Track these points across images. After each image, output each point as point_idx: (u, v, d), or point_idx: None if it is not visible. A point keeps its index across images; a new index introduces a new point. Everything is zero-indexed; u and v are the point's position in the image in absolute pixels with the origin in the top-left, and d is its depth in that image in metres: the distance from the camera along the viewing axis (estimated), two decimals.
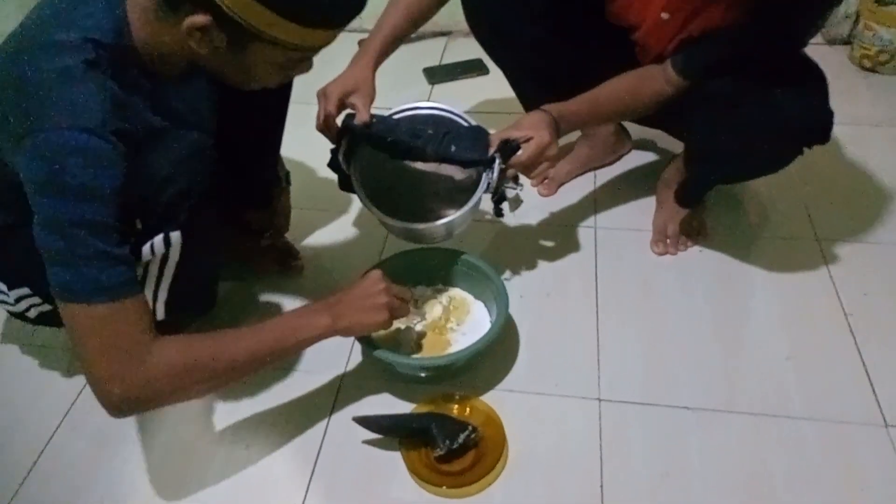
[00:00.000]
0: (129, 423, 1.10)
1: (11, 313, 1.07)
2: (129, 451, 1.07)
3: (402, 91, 1.83)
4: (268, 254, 1.33)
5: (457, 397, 1.08)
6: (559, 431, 1.06)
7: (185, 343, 0.84)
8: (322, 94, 1.13)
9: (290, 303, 1.30)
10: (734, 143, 1.13)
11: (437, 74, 1.91)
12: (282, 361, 1.01)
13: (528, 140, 1.09)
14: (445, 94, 1.85)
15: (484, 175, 1.12)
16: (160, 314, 0.97)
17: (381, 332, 1.07)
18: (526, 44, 1.29)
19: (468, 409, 1.07)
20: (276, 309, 1.29)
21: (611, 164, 1.57)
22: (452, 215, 1.15)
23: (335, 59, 1.10)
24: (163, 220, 0.86)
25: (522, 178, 1.17)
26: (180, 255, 0.90)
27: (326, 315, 0.94)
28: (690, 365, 1.15)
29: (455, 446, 1.01)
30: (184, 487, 1.02)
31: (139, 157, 0.81)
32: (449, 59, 1.99)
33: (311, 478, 1.02)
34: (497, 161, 1.09)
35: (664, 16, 1.15)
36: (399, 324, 1.14)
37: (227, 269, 1.33)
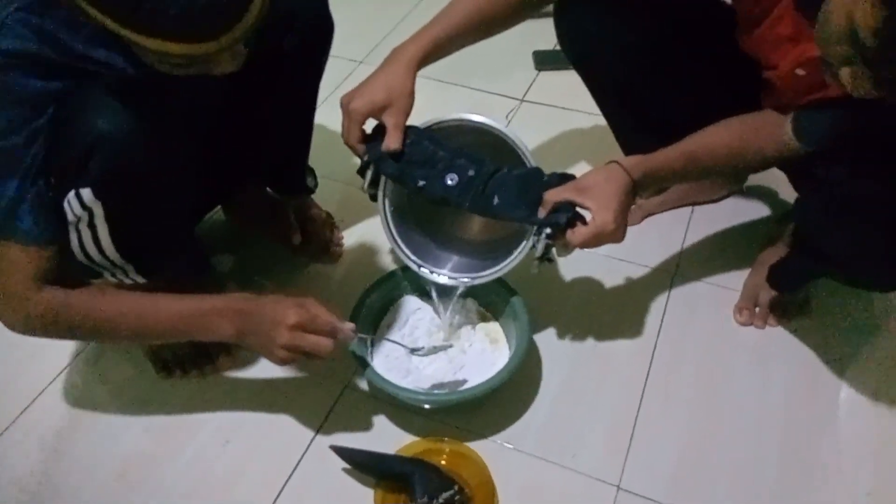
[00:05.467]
0: (127, 385, 1.08)
1: None
2: (110, 423, 1.04)
3: (503, 73, 1.66)
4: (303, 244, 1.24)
5: (447, 450, 0.95)
6: None
7: (65, 301, 0.82)
8: (344, 107, 0.92)
9: (316, 284, 1.22)
10: (848, 246, 0.89)
11: (547, 60, 1.71)
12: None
13: (587, 208, 0.90)
14: (551, 83, 1.66)
15: (530, 235, 0.94)
16: (136, 277, 0.91)
17: None
18: (621, 77, 1.10)
19: (460, 464, 0.94)
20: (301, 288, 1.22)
21: (714, 202, 1.34)
22: (482, 274, 1.00)
23: None
24: (72, 175, 0.77)
25: None
26: (106, 212, 0.80)
27: (233, 326, 0.84)
28: (740, 474, 0.96)
29: None
30: (152, 471, 0.98)
31: (63, 101, 0.73)
32: None
33: (279, 494, 0.94)
34: (544, 234, 0.92)
35: (799, 72, 0.91)
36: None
37: (258, 242, 1.28)
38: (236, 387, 1.07)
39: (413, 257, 1.03)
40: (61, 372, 1.10)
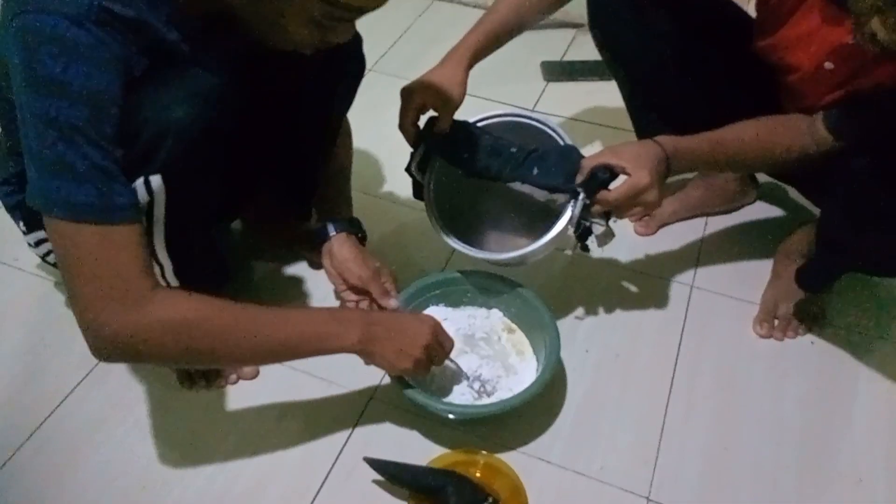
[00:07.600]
0: (149, 394, 1.06)
1: (38, 256, 1.03)
2: (140, 419, 1.03)
3: (512, 84, 1.67)
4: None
5: (481, 462, 0.95)
6: None
7: (198, 302, 0.74)
8: (404, 93, 1.01)
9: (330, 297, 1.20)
10: (878, 239, 0.91)
11: (555, 72, 1.73)
12: (288, 359, 0.93)
13: (624, 171, 0.93)
14: (560, 95, 1.68)
15: (569, 206, 0.98)
16: (170, 278, 0.89)
17: None
18: (650, 61, 1.12)
19: (493, 476, 0.94)
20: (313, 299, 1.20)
21: (727, 212, 1.36)
22: (525, 248, 1.01)
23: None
24: (142, 160, 0.74)
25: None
26: (168, 200, 0.78)
27: (360, 331, 0.85)
28: (762, 483, 0.97)
29: None
30: (175, 483, 0.96)
31: (142, 78, 0.72)
32: (573, 55, 1.80)
33: None
34: (581, 195, 0.95)
35: (828, 65, 0.93)
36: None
37: (273, 253, 1.27)
38: (259, 397, 1.06)
39: (451, 237, 1.06)
40: (79, 384, 1.07)
